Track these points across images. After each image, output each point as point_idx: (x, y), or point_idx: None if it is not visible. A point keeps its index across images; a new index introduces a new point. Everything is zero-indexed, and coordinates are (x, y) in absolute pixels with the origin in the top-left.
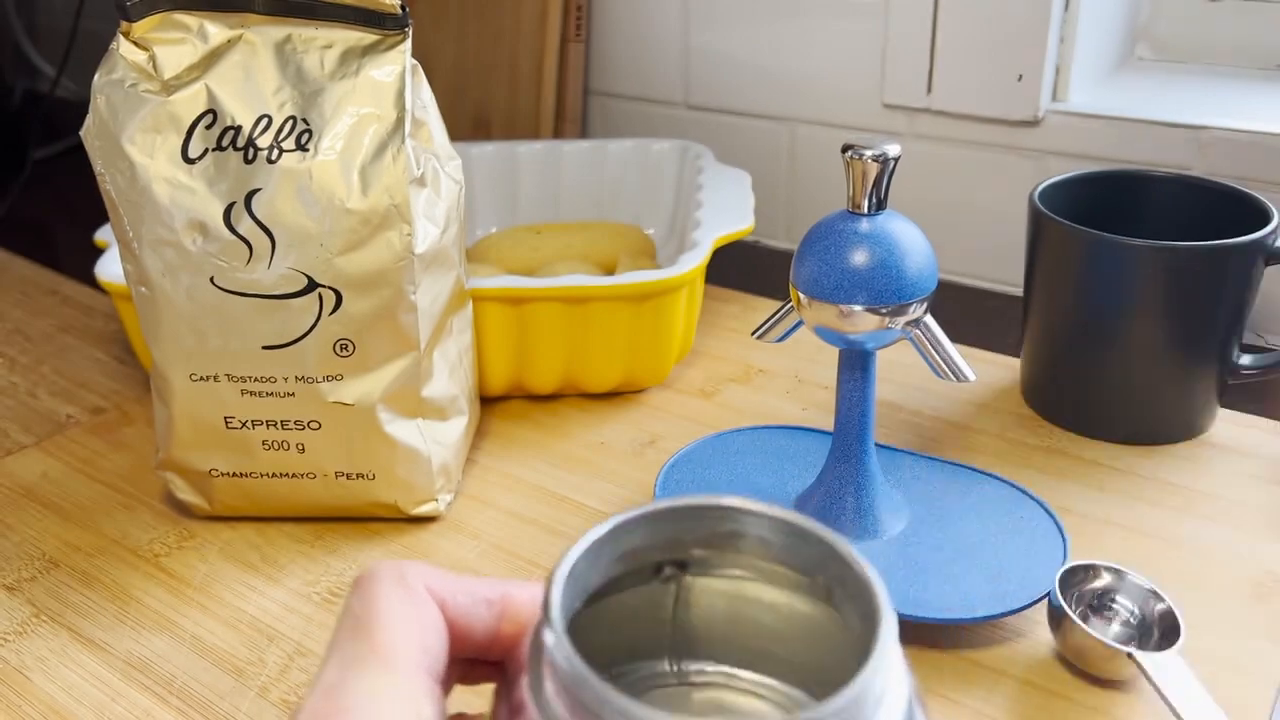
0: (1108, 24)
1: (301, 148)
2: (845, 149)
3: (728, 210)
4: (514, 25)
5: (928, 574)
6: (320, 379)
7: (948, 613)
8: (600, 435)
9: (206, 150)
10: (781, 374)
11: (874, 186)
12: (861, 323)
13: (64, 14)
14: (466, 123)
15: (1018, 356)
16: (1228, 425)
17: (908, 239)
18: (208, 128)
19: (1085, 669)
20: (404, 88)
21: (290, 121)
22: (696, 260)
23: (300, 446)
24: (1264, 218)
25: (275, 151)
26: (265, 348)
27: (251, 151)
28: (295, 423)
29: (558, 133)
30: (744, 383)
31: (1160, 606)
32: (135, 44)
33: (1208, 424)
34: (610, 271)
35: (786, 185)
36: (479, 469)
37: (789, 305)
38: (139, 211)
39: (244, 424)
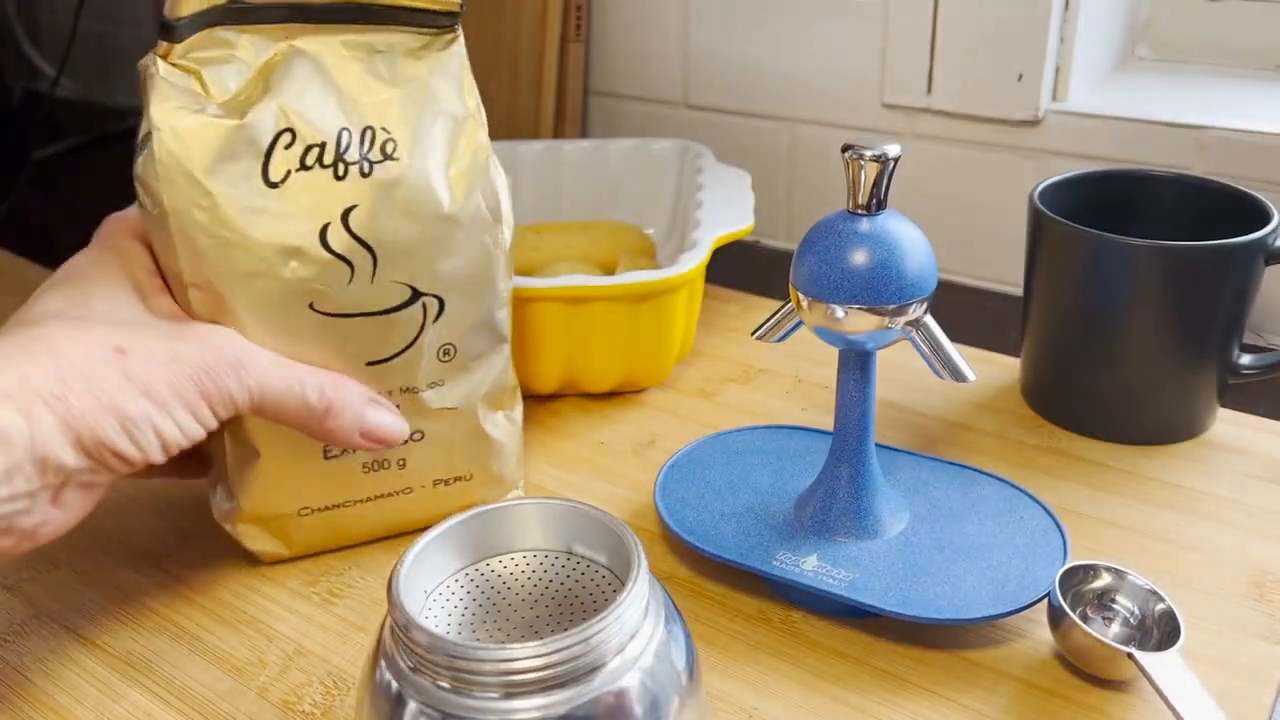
0: (1108, 24)
1: (390, 157)
2: (845, 149)
3: (728, 210)
4: (514, 25)
5: (927, 574)
6: (424, 387)
7: (947, 613)
8: (600, 435)
9: (289, 172)
10: (781, 374)
11: (874, 187)
12: (861, 323)
13: (64, 14)
14: None
15: (1018, 356)
16: (1228, 425)
17: (908, 239)
18: (287, 148)
19: (1085, 669)
20: (470, 84)
21: (369, 132)
22: (696, 260)
23: (402, 462)
24: (1264, 217)
25: (366, 165)
26: (369, 364)
27: (342, 167)
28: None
29: (558, 133)
30: (744, 383)
31: (1160, 607)
32: (176, 66)
33: (1208, 424)
34: (610, 271)
35: (786, 185)
36: None
37: (789, 305)
38: (227, 249)
39: (344, 450)
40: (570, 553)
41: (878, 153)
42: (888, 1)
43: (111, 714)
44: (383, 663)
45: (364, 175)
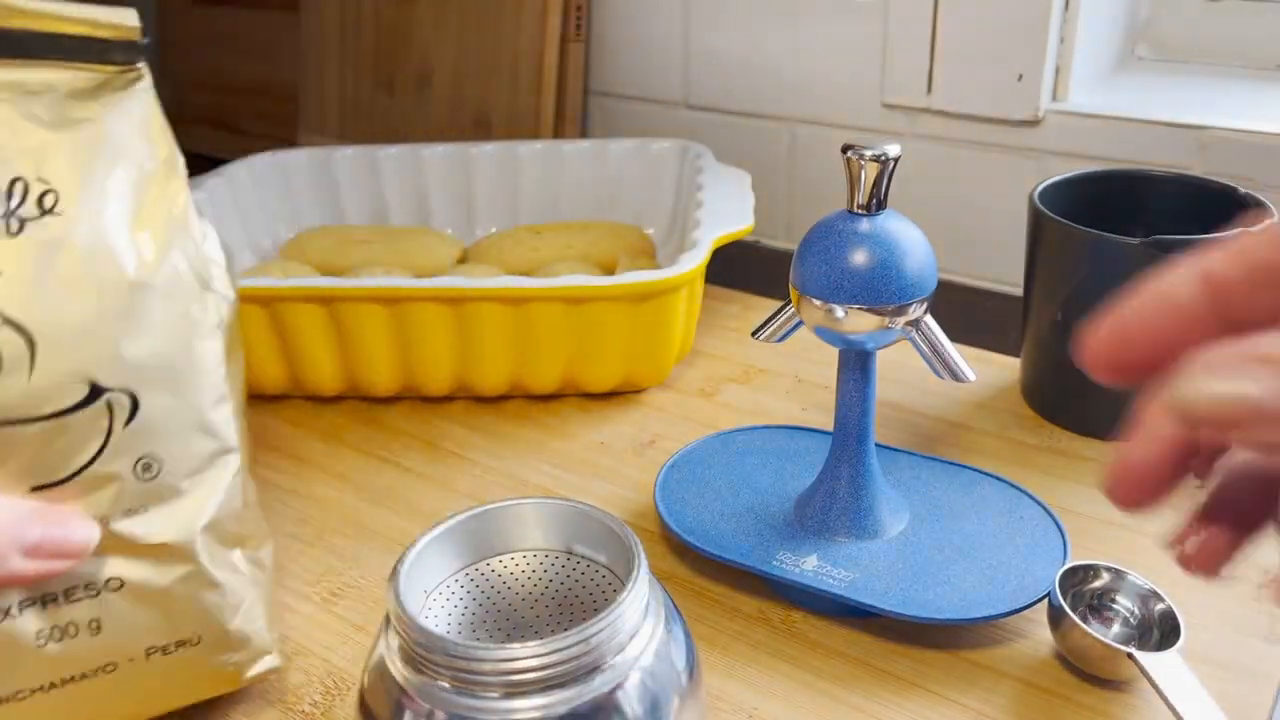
0: (1108, 24)
1: (49, 212)
2: (845, 149)
3: (728, 210)
4: (514, 25)
5: (928, 574)
6: (116, 516)
7: (948, 613)
8: (600, 435)
9: None
10: (781, 374)
11: (874, 186)
12: (861, 323)
13: None
14: (467, 123)
15: (1018, 356)
16: None
17: (908, 239)
18: None
19: (1085, 669)
20: (163, 129)
21: (20, 184)
22: (696, 260)
23: (95, 625)
24: (1263, 218)
25: (15, 222)
26: (35, 488)
27: None
28: (87, 588)
29: (558, 133)
30: (744, 383)
31: (1160, 606)
32: None
33: None
34: (610, 271)
35: (786, 185)
36: (479, 469)
37: (789, 305)
38: None
39: (7, 612)
40: (570, 553)
41: (878, 153)
42: (888, 1)
43: None
44: (383, 662)
45: (11, 234)
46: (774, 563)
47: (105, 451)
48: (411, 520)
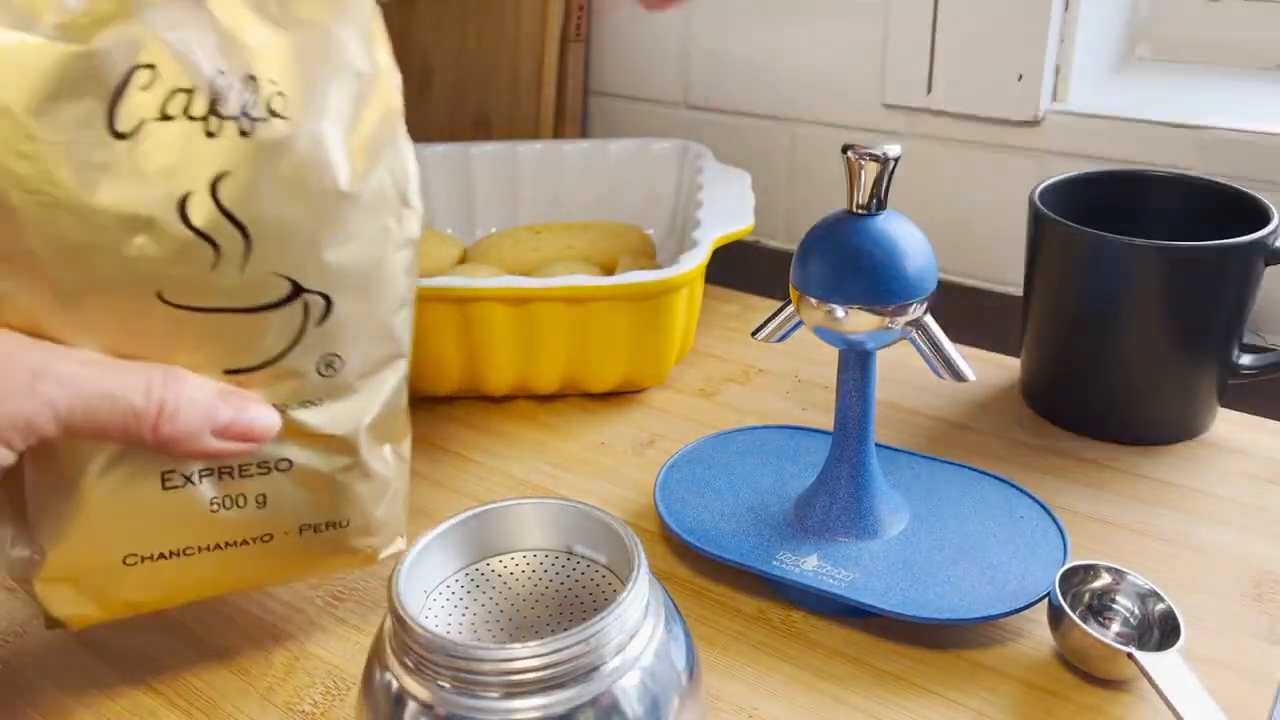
0: (1108, 24)
1: (276, 115)
2: (845, 149)
3: (728, 210)
4: (514, 25)
5: (928, 574)
6: (295, 405)
7: (948, 613)
8: (600, 435)
9: (144, 121)
10: (781, 374)
11: (874, 187)
12: (861, 323)
13: None
14: (466, 123)
15: (1018, 356)
16: (1228, 425)
17: (908, 239)
18: (144, 89)
19: (1085, 669)
20: (382, 35)
21: (251, 81)
22: (696, 260)
23: (261, 499)
24: (1264, 217)
25: (246, 122)
26: (228, 372)
27: (215, 122)
28: (260, 466)
29: (558, 133)
30: (744, 383)
31: (1160, 607)
32: None
33: (1208, 424)
34: (610, 271)
35: (786, 185)
36: (479, 469)
37: (789, 305)
38: (52, 212)
39: (189, 479)
40: (570, 552)
41: (878, 153)
42: (888, 1)
43: (113, 715)
44: (383, 663)
45: (243, 135)
46: (774, 563)
47: (296, 347)
48: (412, 520)
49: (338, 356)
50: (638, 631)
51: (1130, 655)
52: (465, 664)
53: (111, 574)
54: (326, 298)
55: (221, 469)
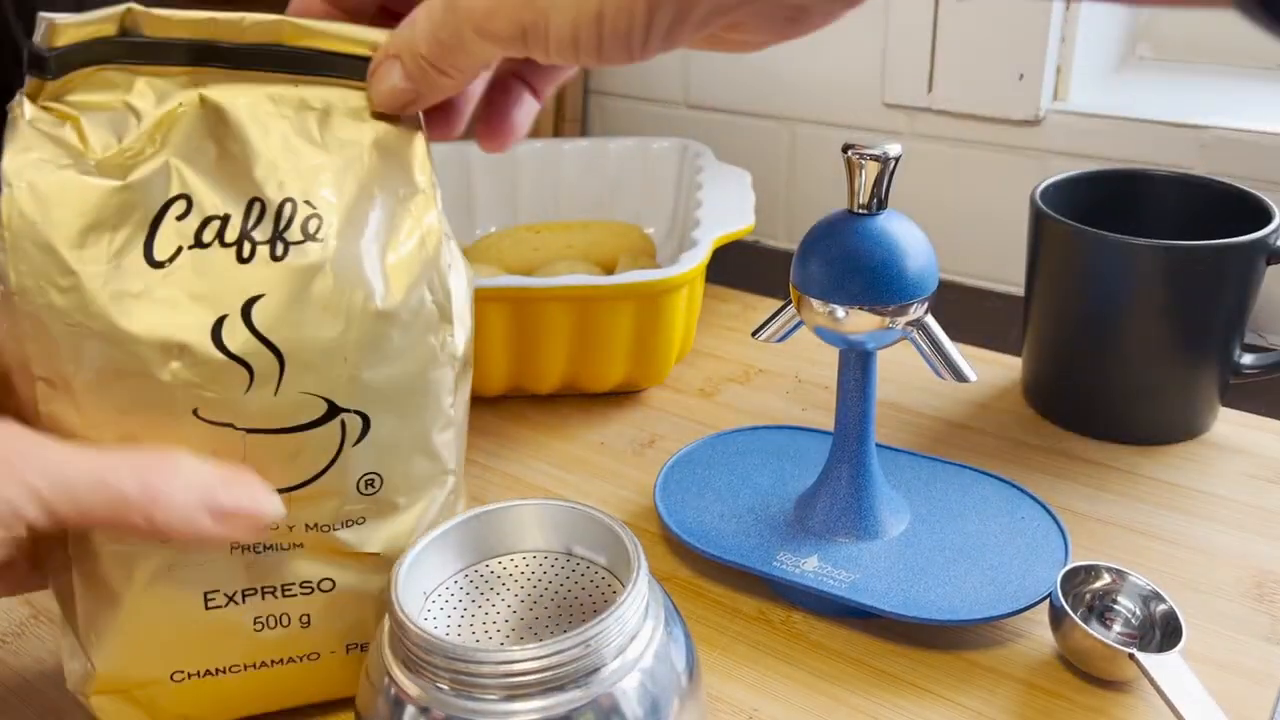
0: (1109, 23)
1: (311, 238)
2: (846, 149)
3: (728, 209)
4: None
5: (928, 574)
6: (339, 526)
7: (948, 614)
8: (600, 435)
9: (180, 249)
10: (781, 374)
11: (874, 186)
12: (862, 323)
13: None
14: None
15: (1019, 356)
16: (1229, 425)
17: (908, 239)
18: (179, 218)
19: (1087, 670)
20: (426, 153)
21: (289, 205)
22: (697, 260)
23: (305, 619)
24: (1265, 217)
25: (280, 245)
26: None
27: (248, 247)
28: (303, 585)
29: (557, 132)
30: (744, 383)
31: (1162, 607)
32: (49, 110)
33: (1209, 424)
34: (610, 271)
35: (786, 185)
36: (479, 469)
37: (789, 305)
38: (90, 341)
39: (231, 598)
40: (570, 554)
41: (878, 152)
42: (888, 1)
43: None
44: (382, 665)
45: (275, 259)
46: (774, 563)
47: (334, 466)
48: None
49: (378, 475)
50: (637, 633)
51: (1132, 656)
52: (464, 666)
53: (161, 689)
54: (364, 416)
55: (264, 588)
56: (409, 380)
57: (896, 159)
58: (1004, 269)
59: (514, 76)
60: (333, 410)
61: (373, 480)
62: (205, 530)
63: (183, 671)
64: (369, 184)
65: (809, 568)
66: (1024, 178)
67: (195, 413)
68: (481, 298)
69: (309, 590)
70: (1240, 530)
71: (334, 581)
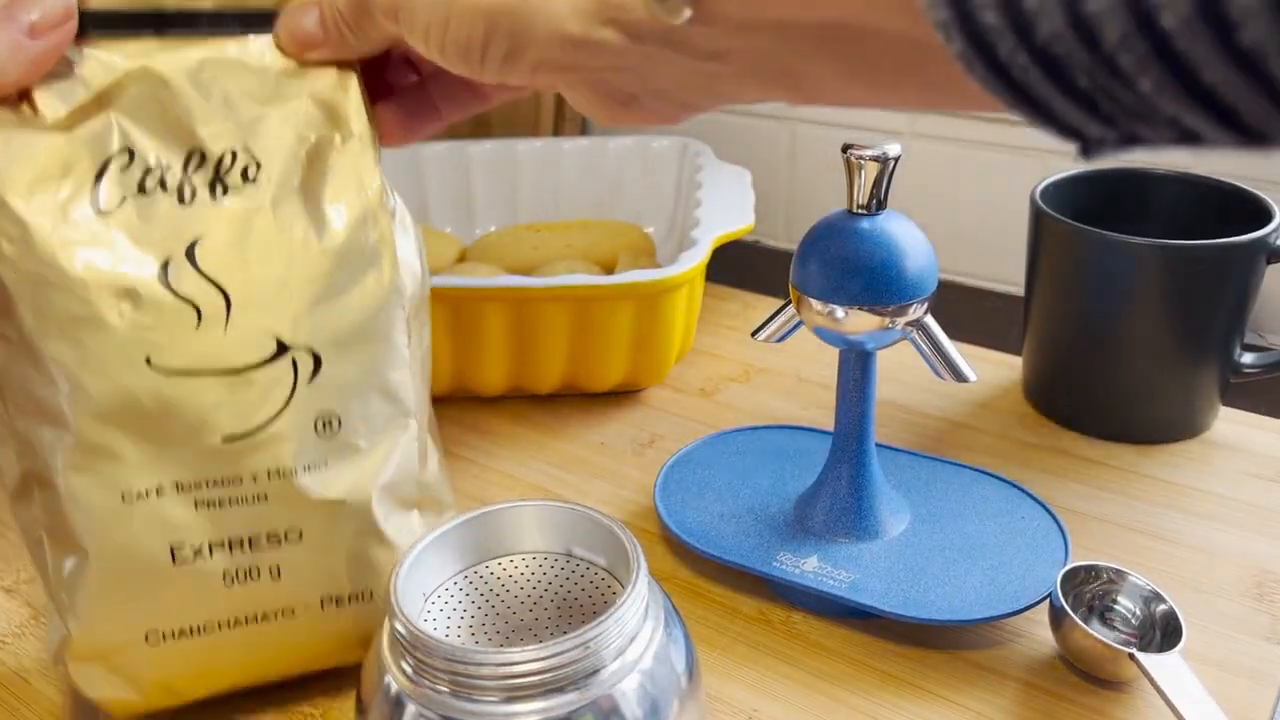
0: None
1: (250, 181)
2: (845, 149)
3: (728, 208)
4: None
5: (928, 574)
6: (299, 470)
7: (948, 614)
8: (600, 435)
9: (125, 198)
10: (781, 374)
11: (874, 186)
12: (862, 323)
13: None
14: (466, 121)
15: (1019, 356)
16: (1229, 424)
17: (908, 239)
18: (123, 170)
19: (1087, 670)
20: (361, 100)
21: (230, 155)
22: (696, 259)
23: (276, 571)
24: (1265, 216)
25: (219, 189)
26: (227, 439)
27: (188, 191)
28: (270, 537)
29: (557, 131)
30: (744, 382)
31: (1162, 607)
32: None
33: (1209, 423)
34: (610, 271)
35: (786, 185)
36: (478, 469)
37: (789, 305)
38: (39, 289)
39: (198, 551)
40: (569, 555)
41: (878, 152)
42: None
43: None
44: (382, 666)
45: (215, 201)
46: (774, 564)
47: (290, 406)
48: None
49: (335, 416)
50: (637, 634)
51: (1132, 656)
52: (464, 668)
53: (136, 652)
54: (315, 355)
55: (231, 541)
56: (358, 319)
57: (896, 159)
58: (1004, 268)
59: (430, 85)
60: (282, 348)
61: (330, 421)
62: (33, 51)
63: (157, 631)
64: (306, 132)
65: (809, 568)
66: (1024, 177)
67: (149, 361)
68: (481, 298)
69: (276, 542)
70: (1240, 530)
71: (301, 531)
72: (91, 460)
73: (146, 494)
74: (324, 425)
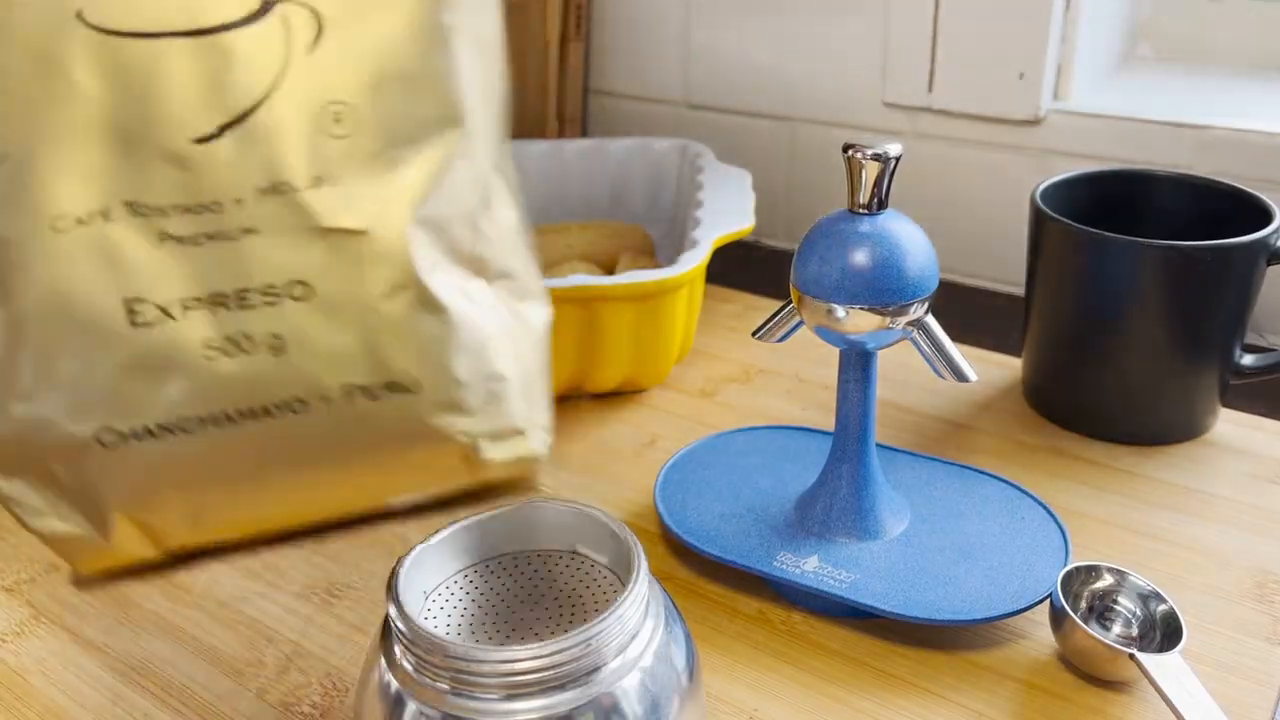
0: (1109, 23)
1: None
2: (846, 148)
3: (728, 209)
4: (514, 25)
5: (929, 575)
6: (303, 184)
7: (949, 614)
8: (600, 435)
9: None
10: (781, 374)
11: (875, 186)
12: (862, 323)
13: None
14: None
15: (1019, 356)
16: (1230, 425)
17: (909, 239)
18: None
19: (1087, 670)
20: None
21: None
22: (697, 260)
23: (276, 341)
24: (1266, 217)
25: None
26: (197, 140)
27: None
28: (267, 292)
29: (558, 133)
30: (744, 383)
31: (1162, 608)
32: None
33: (1210, 424)
34: (610, 271)
35: (786, 185)
36: None
37: (789, 305)
38: None
39: (167, 312)
40: (570, 554)
41: (878, 152)
42: (888, 1)
43: (111, 716)
44: (382, 664)
45: None
46: (775, 563)
47: (281, 88)
48: (411, 521)
49: (343, 104)
50: (638, 633)
51: (1132, 656)
52: (465, 665)
53: (81, 464)
54: (315, 13)
55: (214, 296)
56: None
57: (897, 159)
58: (1004, 269)
59: None
60: (268, 2)
61: (340, 114)
62: None
63: (111, 432)
64: None
65: (809, 568)
66: (1024, 177)
67: (80, 15)
68: None
69: (275, 298)
70: (1240, 530)
71: (307, 284)
72: (4, 167)
73: (87, 219)
74: (335, 119)
